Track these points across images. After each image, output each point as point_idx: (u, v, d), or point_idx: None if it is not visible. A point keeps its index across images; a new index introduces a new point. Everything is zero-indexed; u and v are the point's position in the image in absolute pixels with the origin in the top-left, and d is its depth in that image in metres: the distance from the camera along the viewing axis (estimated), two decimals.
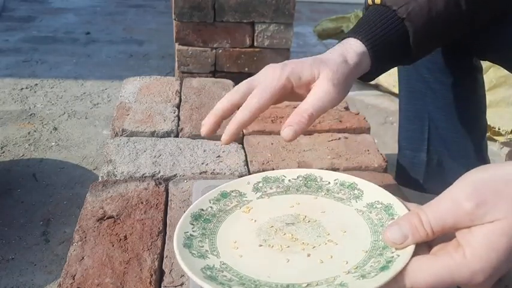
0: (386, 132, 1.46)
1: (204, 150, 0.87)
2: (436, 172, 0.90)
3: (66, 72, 1.83)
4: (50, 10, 2.59)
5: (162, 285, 0.60)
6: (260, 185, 0.58)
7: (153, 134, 0.92)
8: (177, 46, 1.58)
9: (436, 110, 0.86)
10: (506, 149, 1.41)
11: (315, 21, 2.30)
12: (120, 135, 0.92)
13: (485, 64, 0.87)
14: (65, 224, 1.04)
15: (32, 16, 2.47)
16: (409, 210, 0.49)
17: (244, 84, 0.57)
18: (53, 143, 1.35)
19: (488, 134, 1.18)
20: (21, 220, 1.05)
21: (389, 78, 1.62)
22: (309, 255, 0.46)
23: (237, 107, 0.56)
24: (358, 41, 0.56)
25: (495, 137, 1.41)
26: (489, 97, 0.91)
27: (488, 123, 0.93)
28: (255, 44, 1.58)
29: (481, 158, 0.89)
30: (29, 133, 1.39)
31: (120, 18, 2.51)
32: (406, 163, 0.93)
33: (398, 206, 0.50)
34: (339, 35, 2.07)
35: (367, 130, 1.00)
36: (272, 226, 0.52)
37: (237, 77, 1.57)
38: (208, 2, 1.51)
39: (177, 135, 0.93)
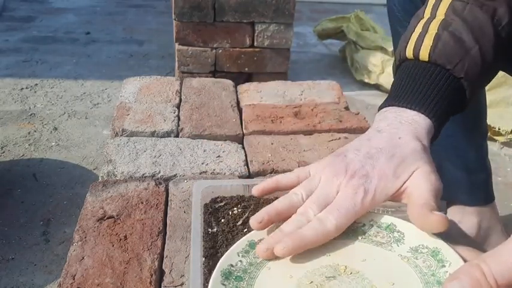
0: None
1: (204, 150, 0.87)
2: None
3: (66, 72, 1.83)
4: (50, 10, 2.59)
5: (162, 285, 0.60)
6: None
7: (153, 134, 0.92)
8: (177, 46, 1.58)
9: None
10: (506, 149, 1.42)
11: (315, 21, 2.30)
12: (120, 135, 0.92)
13: None
14: (65, 224, 1.04)
15: (32, 16, 2.47)
16: (458, 254, 0.46)
17: (318, 197, 0.49)
18: (53, 143, 1.35)
19: (488, 134, 1.18)
20: (22, 220, 1.05)
21: (390, 78, 1.62)
22: None
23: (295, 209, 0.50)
24: (423, 116, 0.51)
25: (495, 137, 1.41)
26: (489, 97, 0.90)
27: (488, 123, 0.93)
28: (255, 44, 1.58)
29: (482, 162, 0.89)
30: (29, 133, 1.39)
31: (120, 18, 2.51)
32: None
33: (447, 251, 0.46)
34: (339, 35, 2.07)
35: (367, 130, 1.00)
36: (312, 282, 0.46)
37: (237, 77, 1.58)
38: (208, 2, 1.51)
39: (177, 135, 0.93)
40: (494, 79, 1.50)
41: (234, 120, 0.99)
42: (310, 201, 0.49)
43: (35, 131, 1.40)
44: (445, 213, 0.92)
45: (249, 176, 0.82)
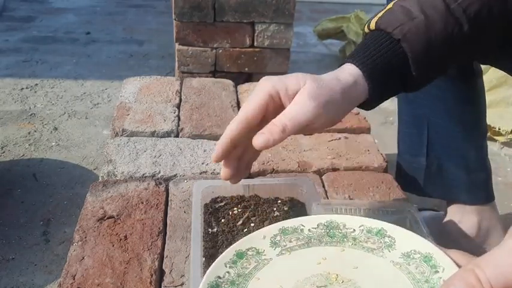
0: (387, 132, 1.46)
1: (204, 150, 0.87)
2: (436, 176, 0.90)
3: (67, 72, 1.83)
4: (50, 10, 2.59)
5: (162, 285, 0.60)
6: (278, 238, 0.51)
7: (153, 134, 0.92)
8: (177, 46, 1.58)
9: (436, 115, 0.86)
10: (506, 149, 1.42)
11: (315, 21, 2.30)
12: (120, 135, 0.92)
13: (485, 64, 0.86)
14: (65, 224, 1.04)
15: (32, 16, 2.47)
16: (451, 259, 0.45)
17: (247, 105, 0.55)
18: (53, 143, 1.35)
19: (488, 134, 1.18)
20: (22, 220, 1.05)
21: None
22: None
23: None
24: (353, 65, 0.54)
25: (495, 137, 1.41)
26: (489, 97, 0.91)
27: (488, 123, 0.93)
28: (255, 44, 1.58)
29: (482, 162, 0.89)
30: (29, 133, 1.39)
31: (120, 18, 2.51)
32: (406, 167, 0.93)
33: (439, 256, 0.45)
34: (339, 35, 2.07)
35: (367, 130, 1.00)
36: None
37: (237, 77, 1.58)
38: (209, 2, 1.51)
39: (177, 135, 0.93)
40: (494, 79, 1.50)
41: None
42: (241, 109, 0.55)
43: (35, 131, 1.40)
44: (445, 212, 0.92)
45: (249, 176, 0.82)
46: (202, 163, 0.83)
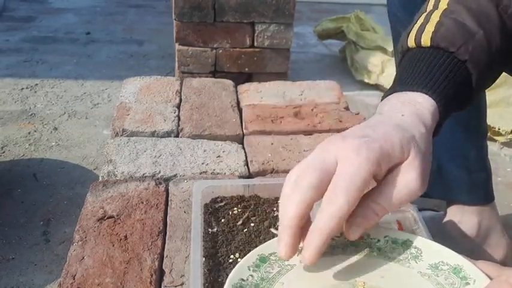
0: None
1: (204, 150, 0.87)
2: (436, 177, 0.90)
3: (67, 72, 1.83)
4: (50, 10, 2.59)
5: (162, 285, 0.60)
6: (300, 245, 0.48)
7: (153, 134, 0.92)
8: (177, 46, 1.58)
9: None
10: (506, 149, 1.42)
11: (315, 21, 2.30)
12: (121, 135, 0.92)
13: None
14: (65, 224, 1.04)
15: (32, 16, 2.47)
16: (482, 271, 0.44)
17: (313, 173, 0.42)
18: (53, 143, 1.35)
19: (488, 134, 1.18)
20: (22, 220, 1.05)
21: (390, 78, 1.62)
22: None
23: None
24: (426, 97, 0.47)
25: (495, 137, 1.41)
26: (489, 97, 0.90)
27: (488, 123, 0.93)
28: (255, 44, 1.58)
29: (482, 162, 0.89)
30: (29, 133, 1.39)
31: (120, 18, 2.51)
32: None
33: (469, 268, 0.44)
34: (339, 35, 2.06)
35: None
36: None
37: (237, 77, 1.58)
38: (209, 2, 1.51)
39: (177, 135, 0.93)
40: None
41: (234, 120, 0.99)
42: (333, 191, 0.41)
43: (35, 131, 1.40)
44: (445, 212, 0.92)
45: (249, 176, 0.82)
46: (202, 163, 0.83)
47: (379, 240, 0.49)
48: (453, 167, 0.88)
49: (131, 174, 0.79)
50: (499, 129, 1.38)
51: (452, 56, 0.49)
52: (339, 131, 0.96)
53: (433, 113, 0.47)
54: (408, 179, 0.42)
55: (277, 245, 0.44)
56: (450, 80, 0.49)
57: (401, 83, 0.50)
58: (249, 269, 0.46)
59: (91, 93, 1.67)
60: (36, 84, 1.71)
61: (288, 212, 0.42)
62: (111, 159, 0.83)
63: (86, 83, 1.74)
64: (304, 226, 0.43)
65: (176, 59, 1.59)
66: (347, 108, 1.03)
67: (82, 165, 1.25)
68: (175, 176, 0.80)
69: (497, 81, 1.49)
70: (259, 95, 1.10)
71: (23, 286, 0.89)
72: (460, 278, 0.44)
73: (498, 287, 0.34)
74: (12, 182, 1.17)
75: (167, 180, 0.78)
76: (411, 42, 0.52)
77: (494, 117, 1.36)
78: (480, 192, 0.89)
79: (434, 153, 0.88)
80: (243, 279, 0.44)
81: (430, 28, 0.51)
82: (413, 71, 0.49)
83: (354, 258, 0.48)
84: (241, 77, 1.59)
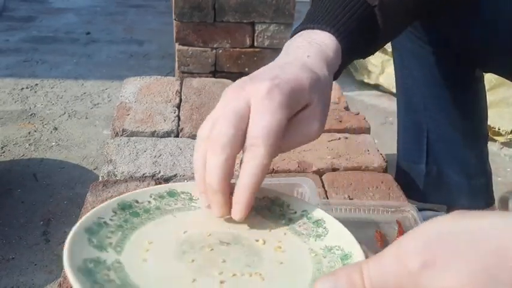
0: (386, 132, 1.46)
1: None
2: (435, 183, 0.90)
3: (67, 72, 1.83)
4: (50, 10, 2.59)
5: None
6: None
7: (153, 134, 0.92)
8: (177, 46, 1.58)
9: (436, 122, 0.86)
10: (506, 150, 1.41)
11: None
12: (121, 135, 0.92)
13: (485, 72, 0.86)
14: (65, 224, 1.04)
15: (33, 16, 2.47)
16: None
17: (228, 127, 0.39)
18: (53, 143, 1.35)
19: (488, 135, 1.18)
20: (22, 220, 1.05)
21: (390, 78, 1.62)
22: (222, 282, 0.39)
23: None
24: (332, 37, 0.47)
25: (495, 137, 1.41)
26: (489, 97, 0.90)
27: (488, 123, 0.93)
28: (255, 44, 1.58)
29: (482, 167, 0.89)
30: (29, 133, 1.39)
31: (120, 18, 2.51)
32: (406, 174, 0.93)
33: (358, 257, 0.43)
34: None
35: (367, 130, 1.00)
36: (203, 239, 0.44)
37: (237, 77, 1.57)
38: (209, 2, 1.51)
39: (177, 135, 0.93)
40: (494, 79, 1.49)
41: None
42: (251, 141, 0.40)
43: (35, 131, 1.40)
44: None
45: None
46: None
47: (295, 212, 0.49)
48: (453, 173, 0.88)
49: (131, 174, 0.79)
50: (499, 129, 1.38)
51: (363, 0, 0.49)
52: (339, 131, 0.96)
53: (336, 54, 0.47)
54: (309, 125, 0.42)
55: (211, 207, 0.43)
56: (358, 23, 0.48)
57: (310, 19, 0.49)
58: (150, 196, 0.44)
59: (91, 93, 1.67)
60: (36, 84, 1.71)
61: (213, 176, 0.40)
62: (111, 159, 0.83)
63: (86, 83, 1.74)
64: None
65: (176, 59, 1.59)
66: (347, 108, 1.03)
67: (82, 165, 1.25)
68: (175, 176, 0.80)
69: (497, 81, 1.50)
70: None
71: (23, 286, 0.89)
72: (343, 264, 0.43)
73: (349, 270, 0.32)
74: (12, 182, 1.17)
75: (167, 180, 0.78)
76: None
77: (494, 117, 1.36)
78: (480, 197, 0.88)
79: (434, 159, 0.89)
80: (137, 201, 0.41)
81: None
82: (325, 8, 0.49)
83: (260, 220, 0.47)
84: (241, 77, 1.59)
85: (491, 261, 0.26)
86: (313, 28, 0.48)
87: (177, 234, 0.45)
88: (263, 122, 0.39)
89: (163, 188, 0.50)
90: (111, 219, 0.45)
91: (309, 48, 0.46)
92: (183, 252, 0.42)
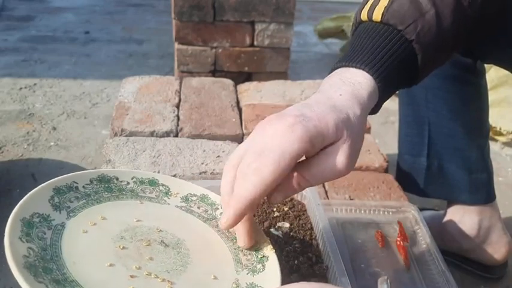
0: (387, 132, 1.46)
1: (204, 150, 0.86)
2: (436, 177, 0.90)
3: (65, 72, 1.82)
4: (49, 9, 2.58)
5: None
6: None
7: (152, 134, 0.91)
8: (176, 45, 1.57)
9: (438, 116, 0.86)
10: (507, 149, 1.41)
11: (316, 20, 2.29)
12: (119, 135, 0.91)
13: (486, 64, 0.86)
14: None
15: (31, 15, 2.46)
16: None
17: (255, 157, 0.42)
18: (51, 143, 1.34)
19: (489, 134, 1.18)
20: None
21: None
22: (132, 276, 0.41)
23: None
24: (367, 75, 0.47)
25: (496, 137, 1.40)
26: (490, 97, 0.90)
27: (490, 123, 0.93)
28: (255, 43, 1.57)
29: (483, 162, 0.88)
30: (27, 133, 1.38)
31: (119, 18, 2.51)
32: (406, 168, 0.93)
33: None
34: (339, 34, 2.06)
35: (367, 130, 1.00)
36: (147, 233, 0.46)
37: (237, 77, 1.57)
38: (208, 1, 1.50)
39: (176, 135, 0.92)
40: (495, 78, 1.49)
41: (234, 120, 0.98)
42: (246, 153, 0.44)
43: (34, 131, 1.39)
44: (445, 212, 0.92)
45: None
46: (202, 163, 0.82)
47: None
48: (454, 167, 0.88)
49: None
50: (500, 129, 1.37)
51: (400, 34, 0.49)
52: None
53: (371, 92, 0.47)
54: (336, 160, 0.44)
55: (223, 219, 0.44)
56: (394, 59, 0.48)
57: (346, 58, 0.49)
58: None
59: (90, 92, 1.66)
60: (35, 84, 1.70)
61: (239, 201, 0.42)
62: (110, 159, 0.82)
63: (84, 83, 1.74)
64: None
65: (175, 58, 1.59)
66: None
67: (81, 165, 1.25)
68: (174, 176, 0.79)
69: (498, 80, 1.49)
70: (259, 94, 1.10)
71: None
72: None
73: None
74: (10, 182, 1.16)
75: None
76: (364, 15, 0.51)
77: (495, 117, 1.35)
78: (481, 192, 0.88)
79: (435, 153, 0.88)
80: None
81: (384, 2, 0.50)
82: (361, 46, 0.49)
83: (213, 237, 0.50)
84: (241, 77, 1.59)
85: None
86: (348, 66, 0.48)
87: (130, 220, 0.47)
88: (279, 147, 0.41)
89: (148, 174, 0.53)
90: (84, 187, 0.48)
91: (342, 87, 0.47)
92: (121, 238, 0.44)
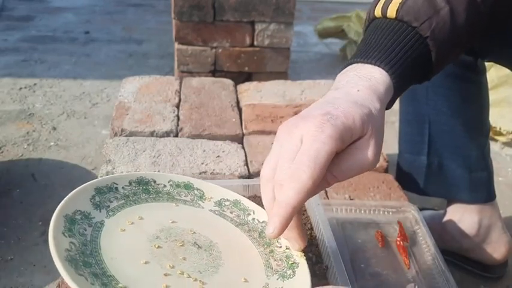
0: (387, 132, 1.45)
1: (204, 150, 0.86)
2: (436, 175, 0.90)
3: (65, 72, 1.82)
4: (49, 9, 2.58)
5: None
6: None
7: (152, 134, 0.92)
8: (176, 45, 1.57)
9: (439, 114, 0.86)
10: (507, 149, 1.41)
11: (316, 20, 2.29)
12: (119, 135, 0.91)
13: (486, 64, 0.86)
14: None
15: (31, 15, 2.46)
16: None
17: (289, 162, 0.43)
18: (51, 143, 1.34)
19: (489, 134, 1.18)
20: (20, 220, 1.05)
21: None
22: (166, 275, 0.42)
23: None
24: (383, 72, 0.48)
25: (496, 137, 1.40)
26: (490, 96, 0.90)
27: (490, 122, 0.93)
28: (255, 43, 1.57)
29: (483, 161, 0.88)
30: (27, 133, 1.38)
31: (119, 18, 2.51)
32: (406, 166, 0.93)
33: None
34: (339, 34, 2.06)
35: None
36: (181, 234, 0.48)
37: (237, 77, 1.57)
38: (208, 1, 1.50)
39: (176, 135, 0.92)
40: (495, 78, 1.49)
41: (234, 120, 0.98)
42: (280, 162, 0.43)
43: (34, 131, 1.39)
44: (445, 211, 0.92)
45: (249, 176, 0.81)
46: (202, 163, 0.82)
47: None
48: (454, 166, 0.88)
49: None
50: (500, 129, 1.37)
51: (415, 31, 0.49)
52: None
53: (388, 88, 0.48)
54: (363, 155, 0.44)
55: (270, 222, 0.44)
56: (409, 55, 0.49)
57: (361, 54, 0.50)
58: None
59: (90, 92, 1.66)
60: (35, 84, 1.70)
61: (283, 205, 0.42)
62: (110, 159, 0.82)
63: (84, 83, 1.74)
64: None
65: (175, 58, 1.59)
66: None
67: (81, 165, 1.25)
68: None
69: (498, 80, 1.49)
70: (259, 94, 1.10)
71: (22, 286, 0.88)
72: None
73: None
74: (10, 182, 1.16)
75: None
76: (378, 12, 0.52)
77: (495, 117, 1.35)
78: (481, 190, 0.88)
79: (436, 151, 0.88)
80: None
81: (397, 0, 0.51)
82: (375, 43, 0.50)
83: (244, 241, 0.51)
84: (241, 77, 1.59)
85: None
86: (363, 62, 0.49)
87: (165, 221, 0.49)
88: (311, 150, 0.41)
89: (183, 178, 0.55)
90: (123, 188, 0.51)
91: (358, 82, 0.47)
92: (156, 237, 0.46)
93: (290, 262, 0.48)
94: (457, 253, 0.91)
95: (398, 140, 0.95)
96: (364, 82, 0.47)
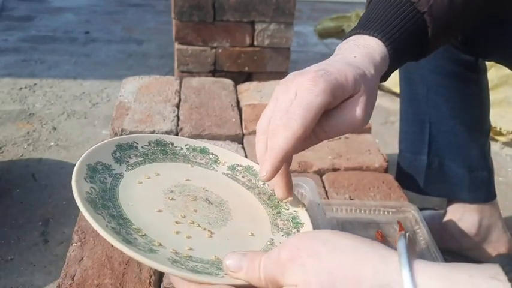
0: (388, 132, 1.46)
1: None
2: (436, 175, 0.90)
3: (65, 72, 1.82)
4: (49, 9, 2.58)
5: (162, 285, 0.59)
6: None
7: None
8: (176, 45, 1.57)
9: (439, 113, 0.86)
10: (507, 149, 1.41)
11: (316, 20, 2.29)
12: (120, 135, 0.91)
13: (486, 63, 0.86)
14: (64, 225, 1.04)
15: (31, 15, 2.46)
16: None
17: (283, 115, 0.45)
18: (52, 143, 1.34)
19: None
20: (20, 220, 1.05)
21: (391, 78, 1.62)
22: (177, 223, 0.45)
23: None
24: (380, 42, 0.50)
25: (496, 137, 1.40)
26: (490, 96, 0.90)
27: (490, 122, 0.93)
28: (255, 43, 1.57)
29: (484, 160, 0.88)
30: (28, 133, 1.38)
31: (119, 18, 2.51)
32: (407, 166, 0.93)
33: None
34: (339, 34, 2.06)
35: (368, 130, 1.00)
36: (195, 190, 0.51)
37: (237, 77, 1.57)
38: (208, 1, 1.50)
39: (176, 135, 0.92)
40: (495, 78, 1.49)
41: (234, 120, 0.98)
42: (274, 114, 0.46)
43: (34, 131, 1.39)
44: (445, 211, 0.92)
45: None
46: None
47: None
48: (455, 165, 0.88)
49: None
50: (501, 129, 1.37)
51: (413, 6, 0.51)
52: None
53: (383, 58, 0.50)
54: (353, 112, 0.46)
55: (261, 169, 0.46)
56: (406, 29, 0.51)
57: (360, 26, 0.52)
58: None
59: (90, 92, 1.66)
60: (35, 84, 1.70)
61: (276, 149, 0.44)
62: None
63: (84, 83, 1.74)
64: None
65: (175, 58, 1.59)
66: None
67: None
68: None
69: (498, 80, 1.49)
70: (259, 94, 1.10)
71: (22, 287, 0.88)
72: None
73: (254, 256, 0.37)
74: (10, 182, 1.16)
75: None
76: None
77: (495, 117, 1.35)
78: (481, 190, 0.88)
79: (436, 151, 0.88)
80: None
81: None
82: (374, 16, 0.52)
83: (253, 201, 0.53)
84: (241, 77, 1.59)
85: (336, 274, 0.31)
86: (362, 33, 0.51)
87: (180, 178, 0.52)
88: (304, 101, 0.43)
89: (200, 143, 0.58)
90: (143, 147, 0.54)
91: (356, 50, 0.50)
92: (171, 191, 0.49)
93: (295, 222, 0.51)
94: (457, 253, 0.91)
95: (398, 140, 0.95)
96: (361, 50, 0.49)
